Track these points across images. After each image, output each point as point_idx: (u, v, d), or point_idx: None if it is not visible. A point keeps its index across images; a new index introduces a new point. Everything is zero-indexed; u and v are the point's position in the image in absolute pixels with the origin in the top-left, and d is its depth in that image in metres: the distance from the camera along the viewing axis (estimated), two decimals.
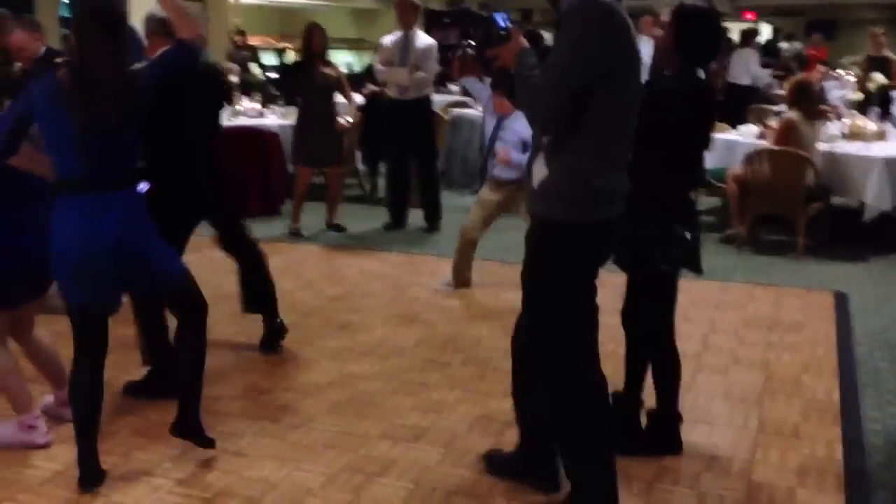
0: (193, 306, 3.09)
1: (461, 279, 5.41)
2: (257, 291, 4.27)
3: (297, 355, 4.26)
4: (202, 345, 3.12)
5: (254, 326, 4.43)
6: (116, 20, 2.80)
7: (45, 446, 3.23)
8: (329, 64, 6.68)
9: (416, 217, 7.05)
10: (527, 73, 2.42)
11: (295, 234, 6.76)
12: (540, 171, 2.51)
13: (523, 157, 5.02)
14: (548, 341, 2.61)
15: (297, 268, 5.82)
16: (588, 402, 2.62)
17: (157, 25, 3.67)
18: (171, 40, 3.11)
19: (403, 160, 6.99)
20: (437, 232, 6.91)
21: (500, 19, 2.53)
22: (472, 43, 2.53)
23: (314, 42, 6.50)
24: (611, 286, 3.19)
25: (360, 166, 8.59)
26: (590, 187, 2.47)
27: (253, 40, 13.30)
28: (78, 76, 2.74)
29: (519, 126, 4.99)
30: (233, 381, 3.93)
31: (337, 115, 6.82)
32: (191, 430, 3.13)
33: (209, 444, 3.16)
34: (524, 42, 2.50)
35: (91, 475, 2.97)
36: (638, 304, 3.22)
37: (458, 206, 7.21)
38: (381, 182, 8.14)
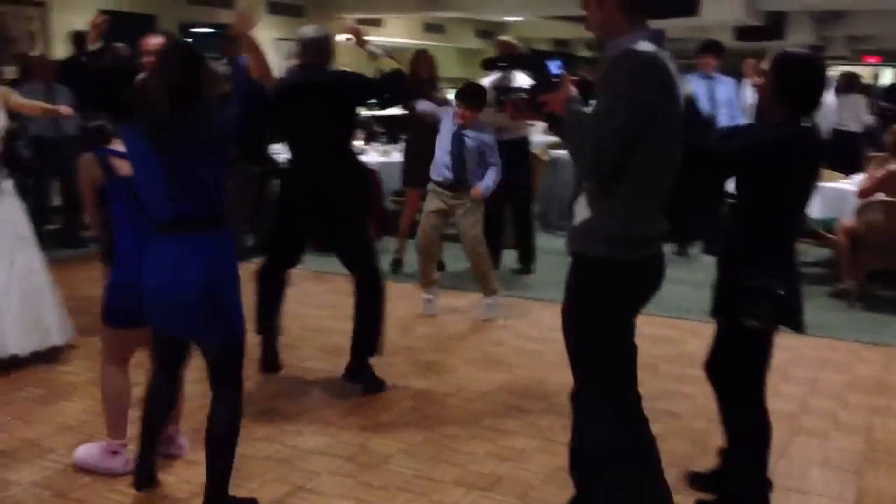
0: (237, 376, 2.99)
1: (426, 280, 5.72)
2: (364, 325, 4.35)
3: (379, 394, 4.26)
4: (237, 420, 2.98)
5: (339, 362, 4.47)
6: (191, 59, 2.83)
7: (124, 475, 3.29)
8: (438, 90, 6.75)
9: (509, 258, 7.00)
10: (575, 121, 2.48)
11: (396, 264, 6.76)
12: (582, 212, 2.56)
13: (490, 182, 5.40)
14: (589, 381, 2.62)
15: (388, 305, 5.82)
16: (631, 439, 2.60)
17: (300, 47, 4.23)
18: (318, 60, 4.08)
19: (498, 201, 6.94)
20: (530, 274, 6.82)
21: (554, 67, 2.59)
22: (526, 88, 2.60)
23: (421, 68, 6.61)
24: (709, 337, 3.10)
25: None
26: (632, 230, 2.50)
27: None
28: (151, 115, 2.78)
29: (477, 135, 5.37)
30: (314, 417, 3.96)
31: None
32: None
33: None
34: (574, 90, 2.55)
35: (141, 475, 3.16)
36: (724, 356, 3.08)
37: (554, 249, 7.11)
38: None
